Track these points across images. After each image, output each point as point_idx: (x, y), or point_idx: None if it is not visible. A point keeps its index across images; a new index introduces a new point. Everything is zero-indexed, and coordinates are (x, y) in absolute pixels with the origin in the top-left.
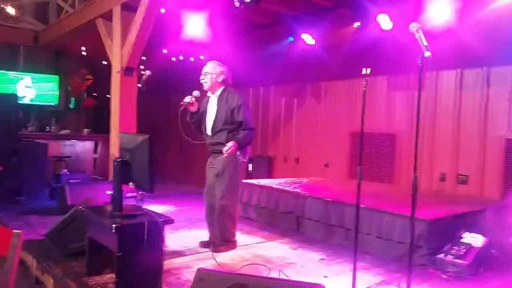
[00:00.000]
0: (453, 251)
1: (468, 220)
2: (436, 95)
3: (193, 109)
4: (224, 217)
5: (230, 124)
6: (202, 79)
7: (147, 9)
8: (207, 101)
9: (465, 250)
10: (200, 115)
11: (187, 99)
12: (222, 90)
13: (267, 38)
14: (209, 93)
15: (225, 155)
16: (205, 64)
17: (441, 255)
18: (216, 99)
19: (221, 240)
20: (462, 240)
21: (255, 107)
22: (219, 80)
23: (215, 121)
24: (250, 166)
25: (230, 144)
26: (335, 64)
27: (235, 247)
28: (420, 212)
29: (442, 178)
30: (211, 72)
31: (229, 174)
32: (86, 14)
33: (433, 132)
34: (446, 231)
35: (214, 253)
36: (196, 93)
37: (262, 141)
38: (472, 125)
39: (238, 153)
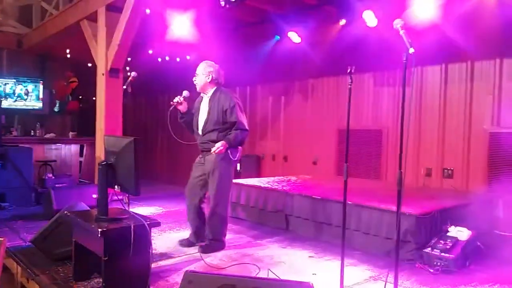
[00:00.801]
0: (440, 245)
1: (454, 214)
2: (421, 91)
3: (183, 109)
4: (214, 216)
5: (222, 124)
6: (194, 80)
7: (132, 10)
8: (200, 101)
9: (451, 244)
10: (191, 115)
11: (176, 99)
12: (214, 91)
13: (253, 36)
14: (202, 93)
15: (215, 154)
16: (192, 64)
17: (428, 249)
18: (208, 100)
19: (210, 239)
20: (448, 233)
21: (243, 106)
22: (208, 80)
23: (206, 121)
24: (239, 166)
25: (219, 144)
26: (322, 61)
27: (224, 247)
28: (407, 207)
29: (428, 173)
30: (200, 73)
31: (220, 173)
32: (71, 16)
33: (419, 127)
34: (433, 226)
35: (203, 254)
36: (185, 93)
37: (250, 140)
38: (457, 119)
39: (229, 151)
